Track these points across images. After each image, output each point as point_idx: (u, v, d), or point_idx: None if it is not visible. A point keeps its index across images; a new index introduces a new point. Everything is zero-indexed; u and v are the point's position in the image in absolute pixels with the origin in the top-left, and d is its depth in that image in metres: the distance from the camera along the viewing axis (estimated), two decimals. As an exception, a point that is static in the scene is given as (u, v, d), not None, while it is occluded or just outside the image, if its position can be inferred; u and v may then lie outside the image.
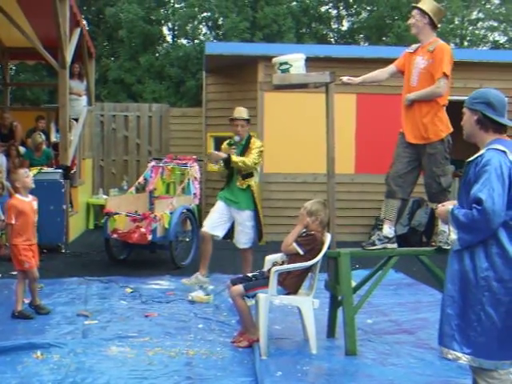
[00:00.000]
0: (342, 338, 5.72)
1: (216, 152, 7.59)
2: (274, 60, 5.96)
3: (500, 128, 3.81)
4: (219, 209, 7.49)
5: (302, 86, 6.13)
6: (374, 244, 5.83)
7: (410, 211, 11.08)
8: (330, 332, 6.07)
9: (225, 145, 7.65)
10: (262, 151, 7.46)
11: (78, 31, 11.61)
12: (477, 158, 3.70)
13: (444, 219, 3.89)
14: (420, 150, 5.79)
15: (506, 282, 3.63)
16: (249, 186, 7.41)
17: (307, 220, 5.67)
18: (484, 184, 3.57)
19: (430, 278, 6.32)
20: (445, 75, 5.58)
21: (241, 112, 7.47)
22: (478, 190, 3.57)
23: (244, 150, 7.44)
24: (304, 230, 5.72)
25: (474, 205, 3.57)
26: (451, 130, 5.78)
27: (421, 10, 5.74)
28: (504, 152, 3.66)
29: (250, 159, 7.27)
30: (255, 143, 7.46)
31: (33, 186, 6.68)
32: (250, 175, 7.43)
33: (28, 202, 6.61)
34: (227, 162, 7.25)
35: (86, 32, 12.75)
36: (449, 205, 3.89)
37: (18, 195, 6.61)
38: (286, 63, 5.86)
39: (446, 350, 3.80)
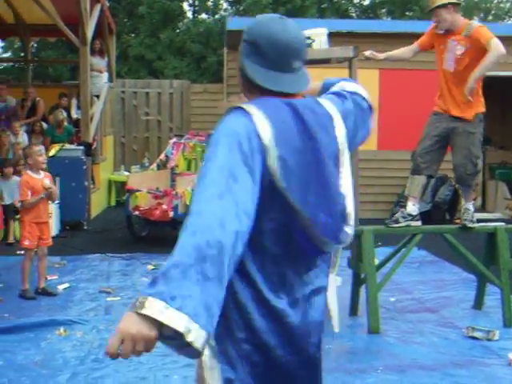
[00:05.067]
0: (364, 316, 5.67)
1: None
2: None
3: (272, 91, 2.15)
4: None
5: (324, 62, 6.03)
6: (397, 221, 5.75)
7: (433, 188, 10.97)
8: (353, 310, 6.03)
9: None
10: None
11: (98, 7, 11.55)
12: None
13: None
14: (455, 129, 5.64)
15: (272, 350, 2.07)
16: None
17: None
18: (199, 180, 1.88)
19: (454, 256, 6.26)
20: (492, 37, 5.33)
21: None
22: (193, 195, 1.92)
23: None
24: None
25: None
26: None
27: (441, 5, 5.58)
28: (250, 115, 2.01)
29: None
30: None
31: (44, 166, 6.56)
32: None
33: (39, 179, 6.44)
34: None
35: (107, 8, 12.68)
36: None
37: (29, 172, 6.52)
38: (308, 38, 5.77)
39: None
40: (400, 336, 5.44)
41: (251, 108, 2.04)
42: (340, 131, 2.21)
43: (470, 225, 5.66)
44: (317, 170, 2.09)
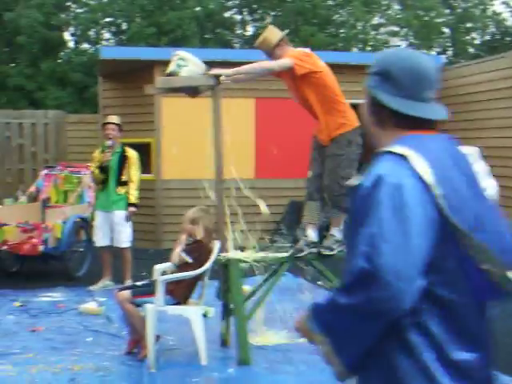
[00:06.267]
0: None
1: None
2: (178, 52, 5.71)
3: (410, 121, 2.04)
4: (99, 221, 8.20)
5: (189, 90, 5.97)
6: (302, 250, 5.63)
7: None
8: (224, 341, 5.92)
9: (98, 153, 8.24)
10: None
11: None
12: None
13: (307, 336, 2.06)
14: (325, 152, 5.58)
15: None
16: (125, 193, 8.07)
17: (189, 228, 5.54)
18: (369, 228, 1.86)
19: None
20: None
21: (112, 118, 8.26)
22: (359, 243, 1.86)
23: (122, 159, 8.10)
24: (191, 238, 5.58)
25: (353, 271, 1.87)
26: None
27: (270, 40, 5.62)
28: (404, 157, 1.93)
29: (135, 181, 8.09)
30: (133, 155, 8.19)
31: None
32: (126, 183, 8.06)
33: None
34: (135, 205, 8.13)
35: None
36: None
37: None
38: (183, 60, 5.62)
39: None
40: (269, 366, 5.39)
41: (403, 150, 1.95)
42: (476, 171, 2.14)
43: (326, 252, 5.58)
44: (477, 206, 2.00)
